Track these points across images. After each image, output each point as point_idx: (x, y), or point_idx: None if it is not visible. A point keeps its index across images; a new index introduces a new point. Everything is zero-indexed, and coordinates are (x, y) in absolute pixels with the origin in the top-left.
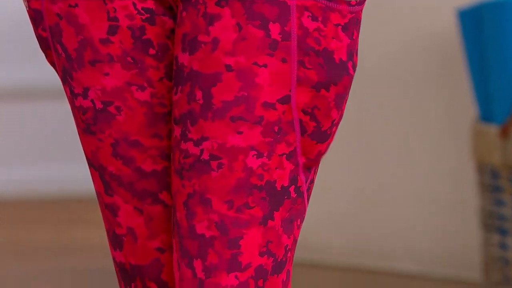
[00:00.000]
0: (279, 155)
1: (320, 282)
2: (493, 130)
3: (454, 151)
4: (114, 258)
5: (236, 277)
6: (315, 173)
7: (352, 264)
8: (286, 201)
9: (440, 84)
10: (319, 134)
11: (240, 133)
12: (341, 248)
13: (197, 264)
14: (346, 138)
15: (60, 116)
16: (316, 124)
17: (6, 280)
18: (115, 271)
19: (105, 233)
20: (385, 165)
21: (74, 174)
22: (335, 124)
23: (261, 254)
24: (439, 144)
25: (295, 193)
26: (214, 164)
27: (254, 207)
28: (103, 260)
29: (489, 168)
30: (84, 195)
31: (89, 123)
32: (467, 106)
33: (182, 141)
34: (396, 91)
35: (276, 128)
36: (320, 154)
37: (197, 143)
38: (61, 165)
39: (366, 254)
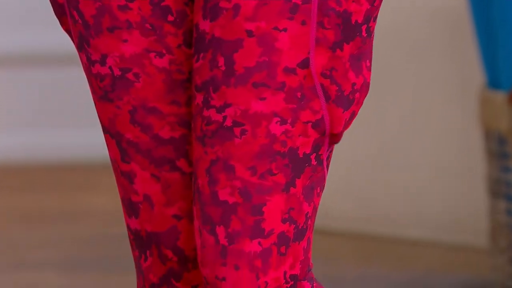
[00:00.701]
0: (304, 122)
1: (326, 248)
2: (500, 96)
3: (461, 118)
4: (128, 226)
5: (259, 243)
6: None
7: (359, 230)
8: (307, 169)
9: (447, 51)
10: (343, 99)
11: (263, 99)
12: (347, 214)
13: (220, 230)
14: None
15: (67, 82)
16: (337, 88)
17: (12, 246)
18: (128, 238)
19: (111, 199)
20: (393, 133)
21: (82, 140)
22: (356, 89)
23: (283, 221)
24: (446, 111)
25: (315, 161)
26: (237, 130)
27: (277, 173)
28: (109, 227)
29: (496, 135)
30: (91, 161)
31: (106, 90)
32: (474, 73)
33: (205, 108)
34: (403, 58)
35: (299, 94)
36: (346, 124)
37: (219, 110)
38: (70, 131)
39: (373, 221)
